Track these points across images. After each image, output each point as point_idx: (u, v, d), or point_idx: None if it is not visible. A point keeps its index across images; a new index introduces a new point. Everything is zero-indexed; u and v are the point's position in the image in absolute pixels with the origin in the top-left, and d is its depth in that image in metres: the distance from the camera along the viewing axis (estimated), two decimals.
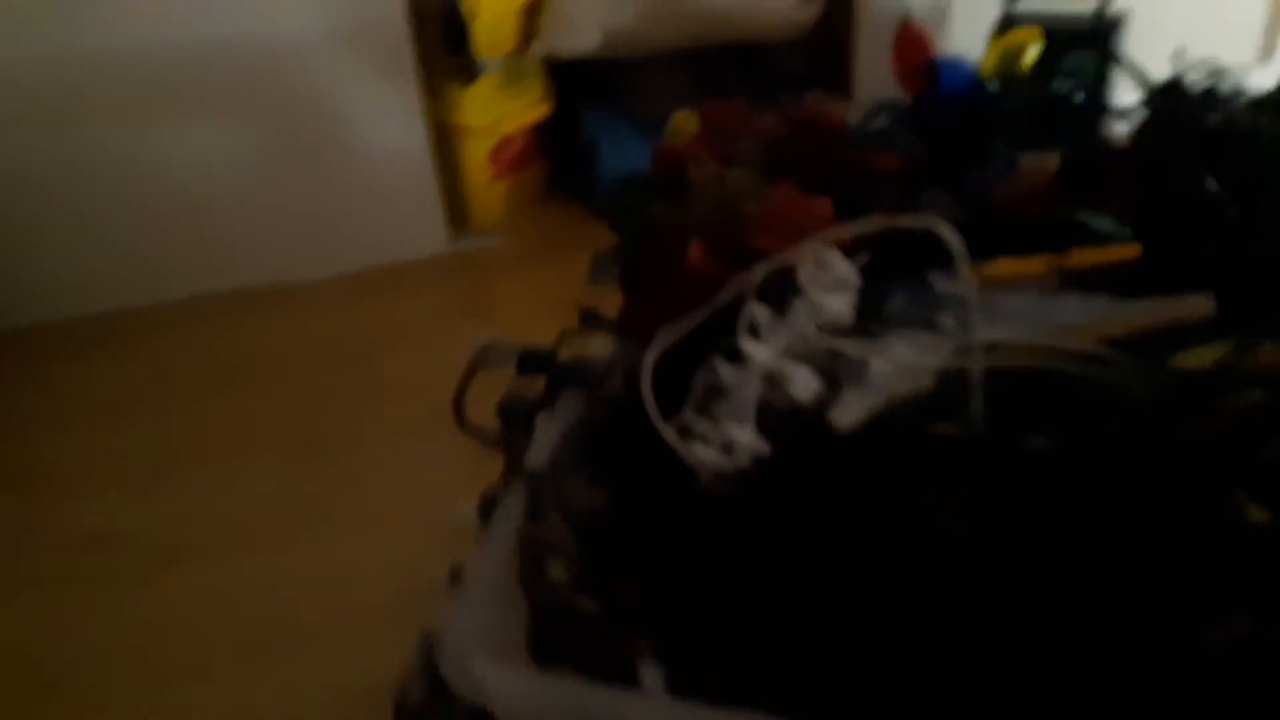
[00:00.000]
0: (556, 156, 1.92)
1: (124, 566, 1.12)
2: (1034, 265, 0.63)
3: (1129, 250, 0.63)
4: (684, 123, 0.91)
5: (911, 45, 0.93)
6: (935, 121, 0.86)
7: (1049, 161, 0.76)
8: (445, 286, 1.67)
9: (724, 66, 1.91)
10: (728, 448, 0.53)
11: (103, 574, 1.11)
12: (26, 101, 1.46)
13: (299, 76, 1.56)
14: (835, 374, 0.55)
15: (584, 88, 1.89)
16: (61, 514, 1.21)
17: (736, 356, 0.55)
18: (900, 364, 0.54)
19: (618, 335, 0.70)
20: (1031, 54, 1.05)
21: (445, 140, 1.72)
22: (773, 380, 0.55)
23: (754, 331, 0.57)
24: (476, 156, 1.75)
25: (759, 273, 0.58)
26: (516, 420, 0.80)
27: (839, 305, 0.58)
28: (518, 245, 1.78)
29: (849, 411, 0.53)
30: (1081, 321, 0.58)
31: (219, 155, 1.57)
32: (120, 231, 1.58)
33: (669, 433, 0.54)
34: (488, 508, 0.76)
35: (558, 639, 0.52)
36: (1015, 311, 0.59)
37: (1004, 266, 0.63)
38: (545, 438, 0.63)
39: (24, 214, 1.53)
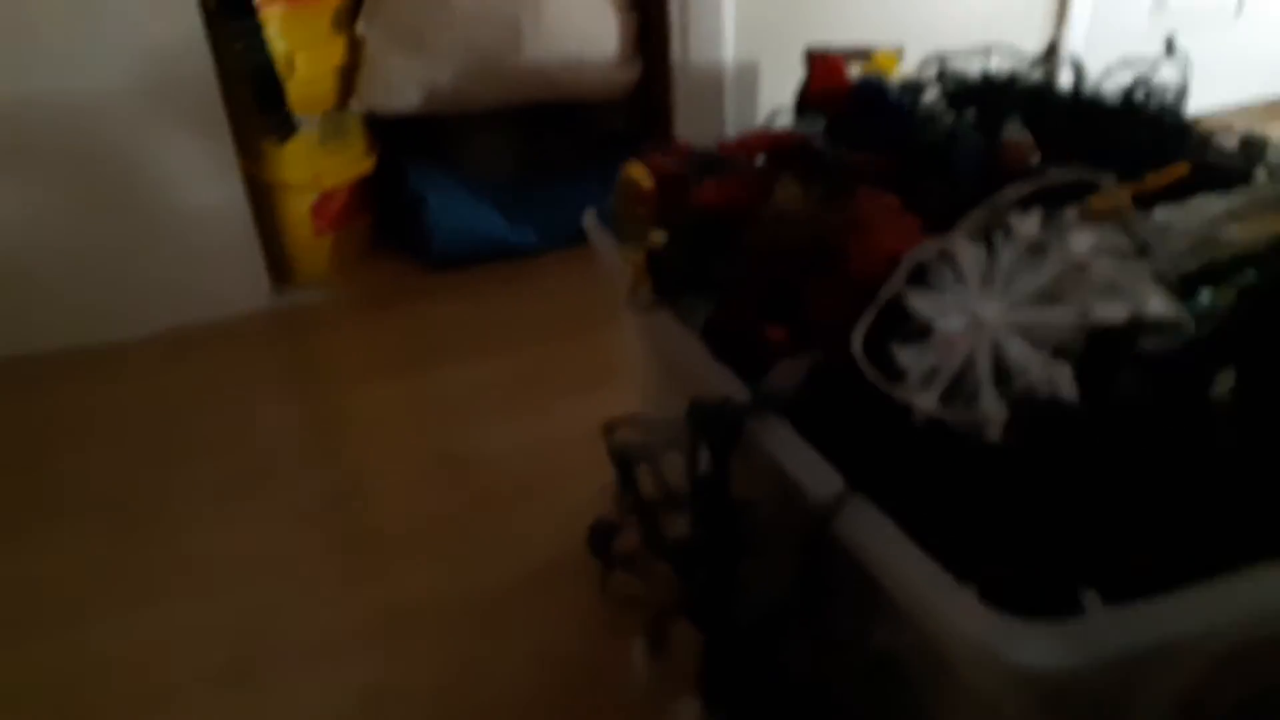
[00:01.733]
0: (382, 211, 1.92)
1: None
2: (1126, 193, 0.73)
3: (1181, 170, 0.77)
4: (639, 174, 0.92)
5: (827, 70, 1.03)
6: (870, 131, 0.93)
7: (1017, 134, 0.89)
8: (267, 342, 1.64)
9: (546, 125, 1.96)
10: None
11: None
12: None
13: (110, 134, 1.51)
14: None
15: (408, 142, 1.90)
16: None
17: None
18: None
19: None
20: (897, 71, 1.18)
21: (265, 197, 1.70)
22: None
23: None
24: (297, 212, 1.73)
25: (916, 258, 0.66)
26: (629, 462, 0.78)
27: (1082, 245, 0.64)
28: (343, 299, 1.76)
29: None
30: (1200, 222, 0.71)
31: (27, 214, 1.50)
32: None
33: (928, 399, 0.60)
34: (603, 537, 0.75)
35: None
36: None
37: (1108, 198, 0.72)
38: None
39: None
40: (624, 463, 0.74)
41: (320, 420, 1.45)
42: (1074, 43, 2.14)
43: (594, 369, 1.47)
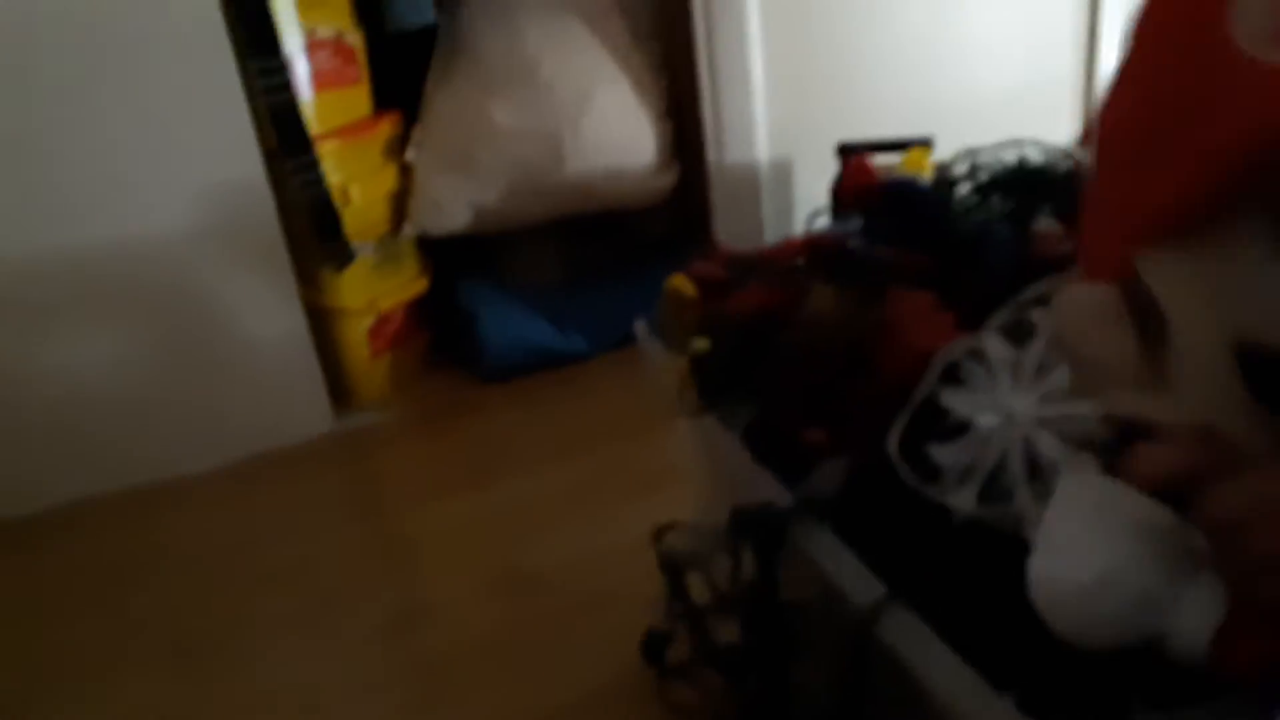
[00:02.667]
0: (437, 328, 1.98)
1: None
2: None
3: None
4: (682, 284, 0.96)
5: (858, 170, 1.07)
6: (904, 228, 0.95)
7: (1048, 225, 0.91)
8: (332, 467, 1.68)
9: (591, 234, 2.02)
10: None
11: None
12: None
13: (176, 274, 1.59)
14: None
15: (459, 260, 1.97)
16: None
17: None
18: None
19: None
20: (929, 168, 1.21)
21: (324, 323, 1.77)
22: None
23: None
24: (356, 336, 1.79)
25: (948, 357, 0.67)
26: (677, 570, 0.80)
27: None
28: (403, 418, 1.81)
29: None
30: None
31: (96, 357, 1.58)
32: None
33: (966, 499, 0.61)
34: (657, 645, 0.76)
35: None
36: None
37: None
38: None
39: None
40: (672, 570, 0.75)
41: (385, 543, 1.48)
42: None
43: (652, 472, 1.48)
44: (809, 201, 1.68)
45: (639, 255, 2.00)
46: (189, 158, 1.54)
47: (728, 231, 2.01)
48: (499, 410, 1.77)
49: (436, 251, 1.95)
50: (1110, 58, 2.15)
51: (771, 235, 1.99)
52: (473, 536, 1.43)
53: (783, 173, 1.98)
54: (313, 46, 1.64)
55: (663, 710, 0.94)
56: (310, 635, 1.26)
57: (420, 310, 1.94)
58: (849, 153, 1.83)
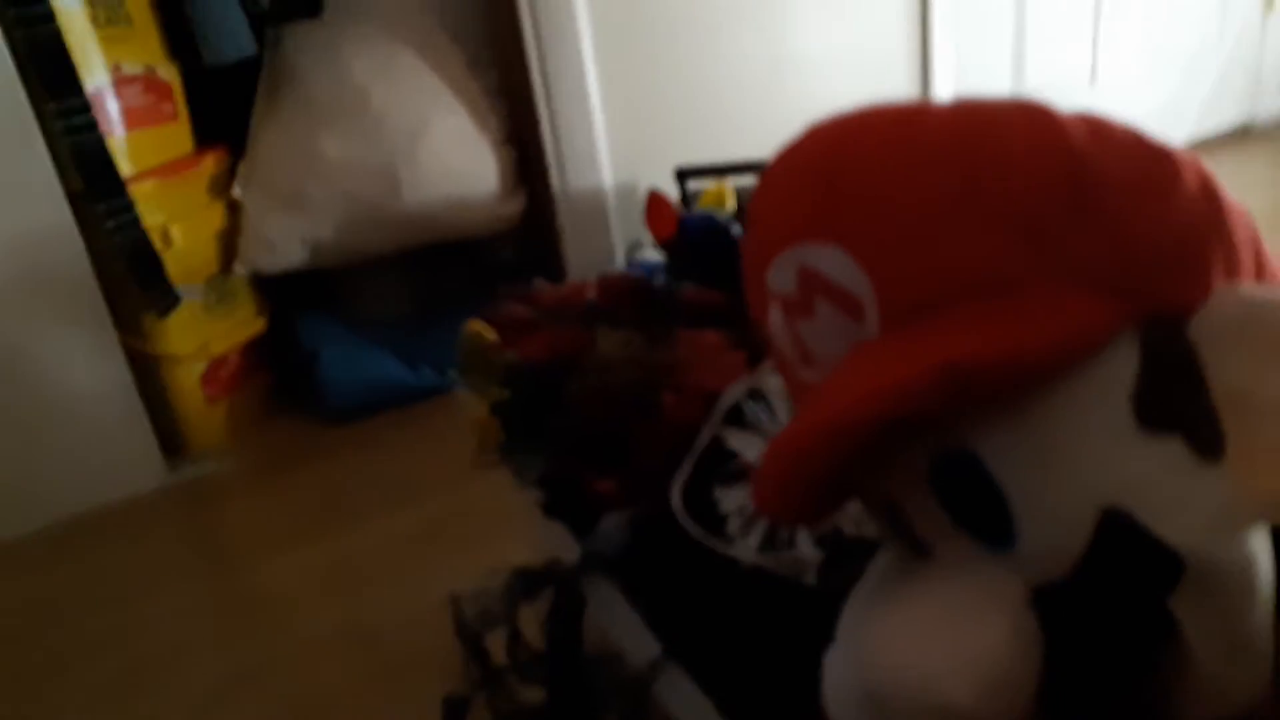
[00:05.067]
0: (278, 370, 1.90)
1: None
2: None
3: None
4: (481, 329, 0.92)
5: (660, 210, 1.05)
6: (698, 262, 0.93)
7: None
8: (163, 523, 1.59)
9: (438, 262, 1.97)
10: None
11: None
12: None
13: None
14: None
15: (300, 296, 1.90)
16: None
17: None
18: None
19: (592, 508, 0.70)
20: (730, 202, 1.19)
21: (153, 370, 1.68)
22: None
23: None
24: (187, 382, 1.71)
25: (730, 398, 0.63)
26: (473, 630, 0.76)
27: None
28: (241, 467, 1.73)
29: None
30: None
31: None
32: None
33: (747, 548, 0.57)
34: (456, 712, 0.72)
35: None
36: None
37: None
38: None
39: None
40: (467, 636, 0.72)
41: (218, 602, 1.40)
42: None
43: (497, 517, 1.44)
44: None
45: (490, 283, 1.95)
46: None
47: (579, 257, 1.99)
48: (342, 455, 1.71)
49: (275, 288, 1.88)
50: (944, 74, 2.21)
51: (624, 259, 1.98)
52: (310, 591, 1.37)
53: (629, 197, 1.97)
54: (120, 83, 1.55)
55: None
56: (143, 704, 1.19)
57: (260, 351, 1.86)
58: (686, 177, 1.83)
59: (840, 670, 0.45)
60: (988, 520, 0.40)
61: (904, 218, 0.41)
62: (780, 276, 0.47)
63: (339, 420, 1.78)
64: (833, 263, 0.43)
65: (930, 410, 0.38)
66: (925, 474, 0.42)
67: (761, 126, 2.03)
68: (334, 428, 1.78)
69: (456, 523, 1.45)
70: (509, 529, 1.33)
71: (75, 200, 1.51)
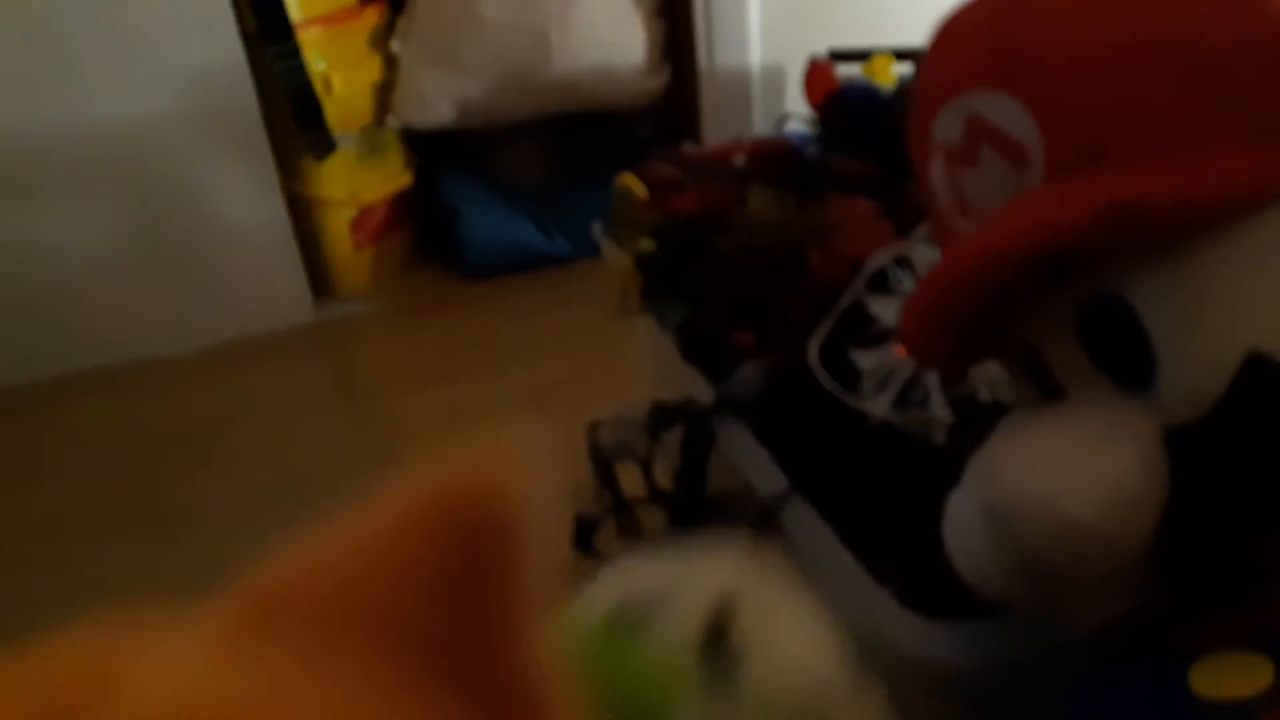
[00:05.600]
0: (421, 223, 1.98)
1: None
2: None
3: None
4: (632, 184, 0.96)
5: (822, 78, 1.06)
6: (853, 132, 0.95)
7: None
8: (309, 354, 1.70)
9: (578, 133, 2.00)
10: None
11: None
12: None
13: (154, 157, 1.59)
14: None
15: (444, 155, 1.96)
16: None
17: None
18: None
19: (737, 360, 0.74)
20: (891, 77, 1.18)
21: (306, 213, 1.77)
22: None
23: None
24: (338, 227, 1.80)
25: (875, 264, 0.67)
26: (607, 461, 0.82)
27: None
28: (383, 311, 1.83)
29: None
30: None
31: (78, 235, 1.59)
32: None
33: (880, 404, 0.62)
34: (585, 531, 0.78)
35: None
36: None
37: None
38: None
39: None
40: (600, 461, 0.77)
41: (361, 430, 1.51)
42: None
43: (622, 376, 1.49)
44: (801, 109, 1.67)
45: (626, 157, 1.97)
46: (166, 39, 1.52)
47: (718, 136, 1.98)
48: (478, 309, 1.79)
49: (422, 146, 1.94)
50: None
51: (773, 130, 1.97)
52: (444, 428, 1.46)
53: (775, 79, 1.95)
54: None
55: None
56: (279, 516, 1.29)
57: (404, 204, 1.93)
58: (840, 59, 1.80)
59: (963, 501, 0.47)
60: (1129, 362, 0.42)
61: (1082, 67, 0.42)
62: (947, 125, 0.48)
63: (475, 276, 1.85)
64: (1003, 111, 0.44)
65: (1090, 248, 0.39)
66: (1071, 317, 0.44)
67: (921, 18, 1.96)
68: (469, 282, 1.85)
69: (583, 379, 1.51)
70: (634, 388, 1.39)
71: (249, 40, 1.59)
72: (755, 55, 1.90)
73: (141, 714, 0.17)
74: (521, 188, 1.97)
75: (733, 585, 0.42)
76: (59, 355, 1.64)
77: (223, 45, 1.56)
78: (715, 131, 1.97)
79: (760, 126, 1.96)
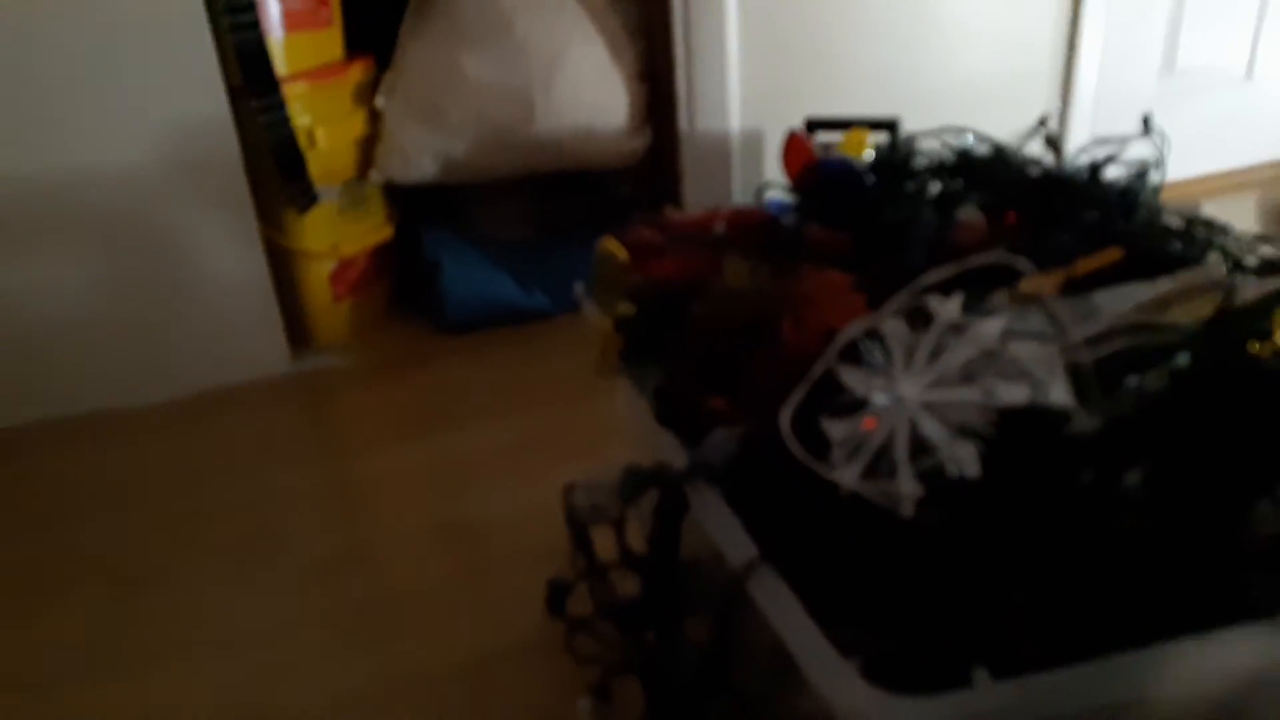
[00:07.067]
0: (400, 277, 1.99)
1: None
2: (1056, 278, 0.78)
3: (1114, 254, 0.80)
4: (613, 247, 0.98)
5: (798, 150, 1.08)
6: (832, 209, 0.97)
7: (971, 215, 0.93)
8: (283, 407, 1.70)
9: (560, 191, 2.03)
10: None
11: None
12: None
13: (136, 206, 1.60)
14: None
15: (426, 209, 1.98)
16: None
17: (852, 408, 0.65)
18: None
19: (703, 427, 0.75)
20: (869, 149, 1.21)
21: (286, 264, 1.78)
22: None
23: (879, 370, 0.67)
24: (317, 279, 1.80)
25: (848, 335, 0.68)
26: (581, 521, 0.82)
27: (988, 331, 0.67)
28: (361, 363, 1.83)
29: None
30: (1131, 306, 0.74)
31: (53, 282, 1.59)
32: None
33: (850, 474, 0.62)
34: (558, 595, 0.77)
35: None
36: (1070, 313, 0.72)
37: (1035, 283, 0.76)
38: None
39: None
40: (576, 525, 0.77)
41: (331, 485, 1.49)
42: (1081, 107, 2.17)
43: (598, 433, 1.49)
44: (779, 174, 1.69)
45: (608, 216, 1.99)
46: (152, 90, 1.54)
47: (697, 199, 2.02)
48: (455, 363, 1.79)
49: (404, 200, 1.96)
50: (1090, 55, 2.16)
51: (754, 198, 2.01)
52: (416, 485, 1.45)
53: (754, 144, 1.99)
54: None
55: (570, 662, 0.97)
56: (250, 571, 1.28)
57: (384, 257, 1.95)
58: (816, 128, 1.84)
59: None
60: None
61: None
62: None
63: (453, 330, 1.86)
64: None
65: None
66: None
67: (896, 88, 2.02)
68: (448, 337, 1.86)
69: (557, 436, 1.52)
70: (610, 446, 1.39)
71: (234, 94, 1.60)
72: (735, 120, 1.94)
73: None
74: (502, 243, 1.99)
75: None
76: (30, 401, 1.63)
77: (208, 97, 1.58)
78: (696, 193, 2.01)
79: (739, 189, 2.00)
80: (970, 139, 1.06)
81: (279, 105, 1.64)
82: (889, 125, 1.69)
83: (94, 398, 1.66)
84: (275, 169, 1.67)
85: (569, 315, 1.90)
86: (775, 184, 1.23)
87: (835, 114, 1.85)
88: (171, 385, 1.70)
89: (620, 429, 1.19)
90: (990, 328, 0.66)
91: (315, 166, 1.72)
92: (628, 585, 0.81)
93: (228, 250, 1.67)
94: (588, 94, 1.88)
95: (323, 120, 1.73)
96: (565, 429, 1.55)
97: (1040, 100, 2.17)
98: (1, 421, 1.62)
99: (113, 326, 1.64)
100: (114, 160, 1.55)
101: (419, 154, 1.83)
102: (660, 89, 1.98)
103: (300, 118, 1.68)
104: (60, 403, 1.64)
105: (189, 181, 1.61)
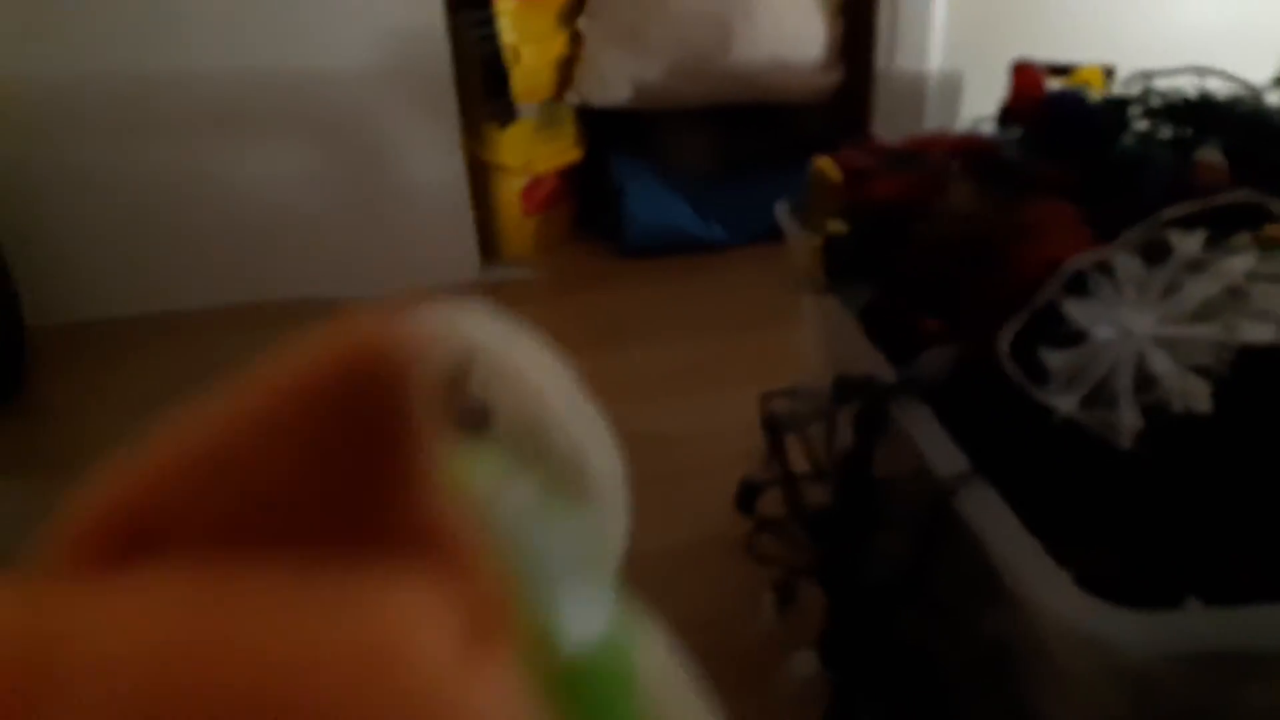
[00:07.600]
0: (585, 198, 2.04)
1: None
2: None
3: None
4: (827, 167, 0.99)
5: (1029, 79, 1.06)
6: (1062, 143, 0.95)
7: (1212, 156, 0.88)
8: None
9: (746, 124, 2.02)
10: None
11: None
12: (101, 111, 1.61)
13: (352, 109, 1.69)
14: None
15: (614, 135, 2.01)
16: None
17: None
18: None
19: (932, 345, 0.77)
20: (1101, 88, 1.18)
21: (482, 176, 1.85)
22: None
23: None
24: (510, 193, 1.87)
25: (1075, 266, 0.69)
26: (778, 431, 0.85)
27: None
28: (543, 278, 1.89)
29: None
30: None
31: (270, 175, 1.70)
32: (171, 238, 1.71)
33: (1068, 401, 0.65)
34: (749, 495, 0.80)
35: None
36: None
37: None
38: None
39: (85, 215, 1.67)
40: (772, 430, 0.79)
41: None
42: None
43: (770, 361, 1.51)
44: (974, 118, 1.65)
45: (791, 152, 1.98)
46: (378, 1, 1.62)
47: (886, 139, 1.98)
48: (634, 284, 1.84)
49: (594, 123, 2.00)
50: None
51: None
52: (601, 396, 1.51)
53: (951, 86, 1.93)
54: None
55: (749, 561, 1.00)
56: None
57: (572, 178, 2.00)
58: (1019, 68, 1.77)
59: None
60: None
61: None
62: None
63: (632, 254, 1.90)
64: None
65: None
66: None
67: (1105, 37, 1.92)
68: (627, 259, 1.90)
69: (737, 360, 1.54)
70: (786, 372, 1.41)
71: (449, 5, 1.66)
72: (935, 61, 1.89)
73: (116, 675, 0.14)
74: (684, 174, 2.01)
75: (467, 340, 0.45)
76: (238, 286, 1.75)
77: (425, 7, 1.65)
78: (886, 133, 1.96)
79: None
80: (1210, 81, 1.02)
81: (491, 20, 1.70)
82: (1105, 73, 1.62)
83: (294, 287, 1.77)
84: (482, 83, 1.73)
85: (743, 248, 1.92)
86: (986, 120, 1.21)
87: (1043, 58, 1.78)
88: (371, 282, 1.79)
89: (808, 351, 1.20)
90: (1237, 264, 0.64)
91: (517, 84, 1.77)
92: (815, 495, 0.83)
93: (431, 158, 1.75)
94: (786, 25, 1.87)
95: (527, 39, 1.78)
96: (739, 355, 1.57)
97: (1264, 61, 2.03)
98: (204, 301, 1.75)
99: (323, 219, 1.75)
100: (337, 64, 1.64)
101: (616, 77, 1.86)
102: (859, 25, 1.94)
103: (507, 35, 1.74)
104: (261, 289, 1.76)
105: (403, 89, 1.69)
